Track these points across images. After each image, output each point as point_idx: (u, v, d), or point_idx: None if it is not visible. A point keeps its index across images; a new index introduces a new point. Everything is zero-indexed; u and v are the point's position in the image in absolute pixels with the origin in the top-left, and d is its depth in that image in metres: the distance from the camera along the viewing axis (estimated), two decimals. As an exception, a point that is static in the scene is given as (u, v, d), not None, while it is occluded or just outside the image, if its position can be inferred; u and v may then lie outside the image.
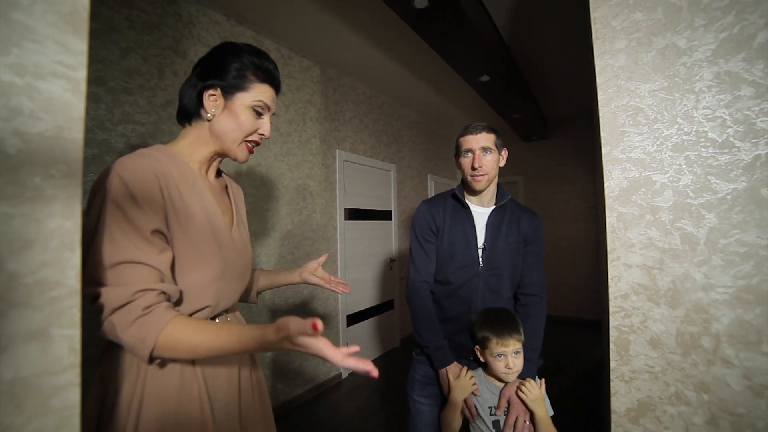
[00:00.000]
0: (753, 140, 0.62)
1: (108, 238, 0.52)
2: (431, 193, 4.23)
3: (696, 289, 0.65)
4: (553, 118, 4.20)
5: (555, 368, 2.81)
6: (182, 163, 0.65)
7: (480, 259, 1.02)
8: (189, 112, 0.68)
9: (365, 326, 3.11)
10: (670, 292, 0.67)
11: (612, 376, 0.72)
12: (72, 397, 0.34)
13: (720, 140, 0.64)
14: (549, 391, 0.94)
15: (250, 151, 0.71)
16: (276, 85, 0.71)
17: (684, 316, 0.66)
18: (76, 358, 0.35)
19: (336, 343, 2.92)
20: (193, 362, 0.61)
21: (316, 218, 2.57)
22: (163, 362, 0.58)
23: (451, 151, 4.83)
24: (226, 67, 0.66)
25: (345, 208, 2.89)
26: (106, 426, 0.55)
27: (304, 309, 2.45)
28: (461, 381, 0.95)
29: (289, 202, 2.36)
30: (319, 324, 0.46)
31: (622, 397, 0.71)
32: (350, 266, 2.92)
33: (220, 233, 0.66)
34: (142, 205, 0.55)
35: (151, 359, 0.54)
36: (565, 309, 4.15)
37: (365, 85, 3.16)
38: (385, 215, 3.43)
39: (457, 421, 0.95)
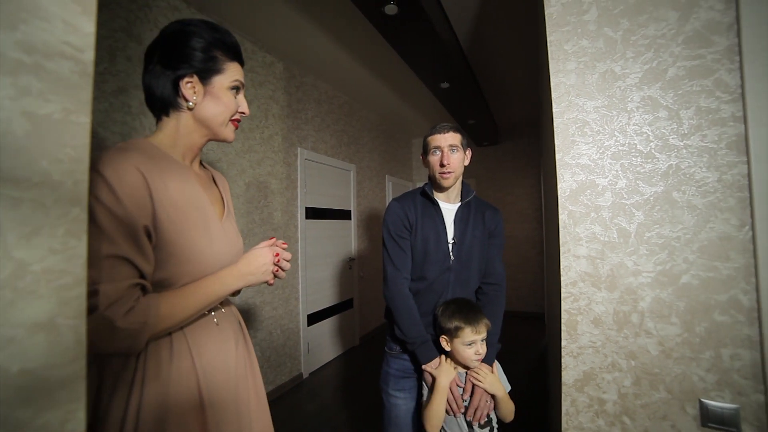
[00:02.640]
0: (667, 153, 0.77)
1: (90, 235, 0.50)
2: (389, 194, 4.32)
3: (628, 275, 0.78)
4: (503, 125, 4.54)
5: (505, 356, 3.04)
6: (165, 155, 0.64)
7: (451, 254, 1.07)
8: (165, 104, 0.66)
9: (326, 325, 3.09)
10: (609, 278, 0.79)
11: (563, 353, 0.83)
12: (78, 390, 0.33)
13: (645, 151, 0.78)
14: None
15: (236, 128, 0.73)
16: (242, 60, 0.73)
17: (619, 297, 0.79)
18: (81, 350, 0.34)
19: (296, 344, 2.84)
20: (190, 354, 0.61)
21: (277, 216, 2.51)
22: (159, 358, 0.58)
23: (408, 153, 4.98)
24: (191, 51, 0.64)
25: (306, 207, 2.85)
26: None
27: (264, 309, 2.37)
28: (445, 366, 0.98)
29: (250, 199, 2.27)
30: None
31: (571, 370, 0.83)
32: (310, 265, 2.89)
33: (210, 224, 0.66)
34: (125, 202, 0.53)
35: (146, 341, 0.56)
36: (512, 304, 4.49)
37: (327, 85, 3.15)
38: (344, 215, 3.44)
39: (442, 411, 0.95)
